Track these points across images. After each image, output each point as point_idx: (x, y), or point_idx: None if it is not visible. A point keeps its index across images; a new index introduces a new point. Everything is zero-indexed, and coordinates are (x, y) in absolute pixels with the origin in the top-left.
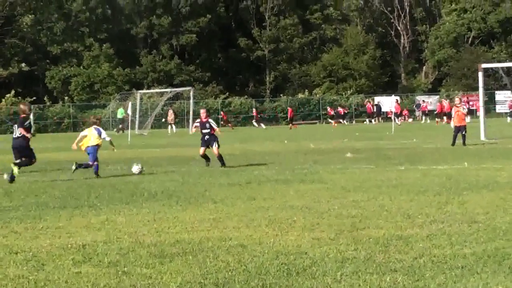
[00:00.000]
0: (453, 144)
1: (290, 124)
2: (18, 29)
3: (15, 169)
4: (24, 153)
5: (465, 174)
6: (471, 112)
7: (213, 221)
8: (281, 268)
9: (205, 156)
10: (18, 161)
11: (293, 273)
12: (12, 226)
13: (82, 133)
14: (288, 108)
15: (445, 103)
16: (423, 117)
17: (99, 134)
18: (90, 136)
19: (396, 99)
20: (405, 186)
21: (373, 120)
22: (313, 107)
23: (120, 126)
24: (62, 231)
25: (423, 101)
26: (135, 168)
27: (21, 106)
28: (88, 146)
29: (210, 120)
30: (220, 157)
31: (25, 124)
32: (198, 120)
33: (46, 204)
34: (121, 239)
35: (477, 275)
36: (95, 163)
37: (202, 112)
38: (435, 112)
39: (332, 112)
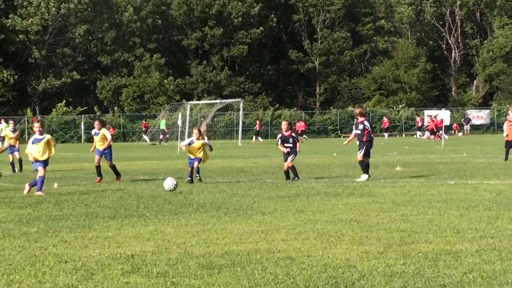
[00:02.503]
0: (506, 158)
1: (258, 138)
2: (70, 38)
3: None
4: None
5: None
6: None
7: (262, 233)
8: (329, 281)
9: (288, 173)
10: None
11: (341, 287)
12: (62, 235)
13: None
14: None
15: (432, 119)
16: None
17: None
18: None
19: (430, 115)
20: (455, 201)
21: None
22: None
23: (161, 136)
24: (111, 241)
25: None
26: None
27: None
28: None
29: (293, 134)
30: (293, 168)
31: None
32: (280, 134)
33: (95, 213)
34: (169, 249)
35: None
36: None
37: (284, 125)
38: (426, 128)
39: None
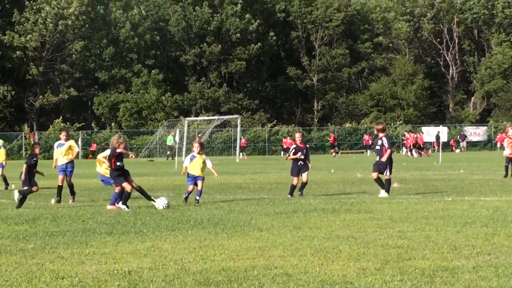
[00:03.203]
0: (506, 175)
1: (243, 155)
2: (67, 54)
3: None
4: None
5: None
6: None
7: (259, 250)
8: None
9: (294, 188)
10: None
11: None
12: (59, 251)
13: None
14: (242, 137)
15: (411, 135)
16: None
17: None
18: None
19: (406, 131)
20: (452, 218)
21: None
22: (360, 136)
23: (168, 152)
24: (108, 257)
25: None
26: (160, 203)
27: None
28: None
29: (307, 146)
30: (305, 184)
31: None
32: (294, 146)
33: (92, 230)
34: (166, 266)
35: None
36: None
37: (298, 137)
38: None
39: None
